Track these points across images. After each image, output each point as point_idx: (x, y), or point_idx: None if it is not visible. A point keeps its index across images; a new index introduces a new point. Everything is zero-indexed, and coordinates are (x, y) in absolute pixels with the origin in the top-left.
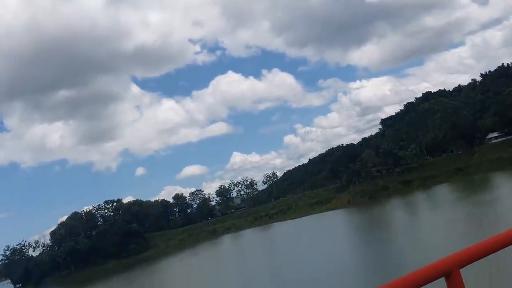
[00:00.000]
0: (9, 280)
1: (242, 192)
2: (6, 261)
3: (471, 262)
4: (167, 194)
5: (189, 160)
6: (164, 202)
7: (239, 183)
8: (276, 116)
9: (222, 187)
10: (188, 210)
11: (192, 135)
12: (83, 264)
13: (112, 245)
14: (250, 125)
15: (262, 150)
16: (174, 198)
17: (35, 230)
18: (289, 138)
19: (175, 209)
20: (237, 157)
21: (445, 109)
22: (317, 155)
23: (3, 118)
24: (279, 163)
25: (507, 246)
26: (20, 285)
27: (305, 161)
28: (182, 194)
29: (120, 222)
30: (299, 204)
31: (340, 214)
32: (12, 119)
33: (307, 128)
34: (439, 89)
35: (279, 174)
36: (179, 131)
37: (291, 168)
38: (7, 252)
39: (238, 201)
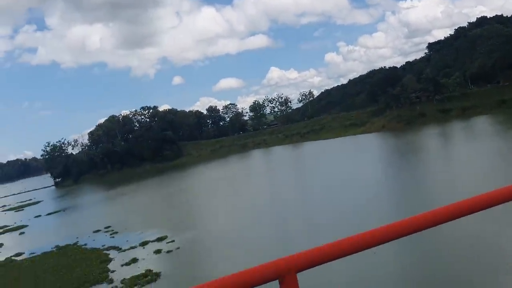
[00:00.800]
0: (49, 174)
1: (276, 109)
2: (47, 157)
3: (310, 267)
4: (201, 105)
5: (226, 73)
6: (198, 113)
7: (274, 99)
8: (319, 32)
9: (256, 102)
10: (221, 123)
11: (230, 46)
12: (119, 165)
13: (147, 150)
14: (291, 40)
15: (300, 67)
16: (208, 110)
17: (73, 130)
18: (330, 56)
19: (208, 121)
20: (274, 73)
21: (499, 36)
22: (357, 76)
23: (44, 17)
24: (317, 81)
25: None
26: (59, 179)
27: (345, 81)
28: (216, 106)
29: (156, 128)
30: (332, 125)
31: (373, 138)
32: (53, 18)
33: (350, 47)
34: (496, 14)
35: (316, 93)
36: (217, 41)
37: (329, 88)
38: (48, 148)
39: (271, 117)
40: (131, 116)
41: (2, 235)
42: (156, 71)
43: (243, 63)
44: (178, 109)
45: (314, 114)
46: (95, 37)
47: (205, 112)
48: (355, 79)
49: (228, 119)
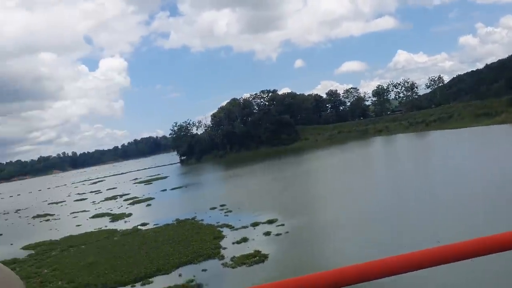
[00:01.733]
0: (175, 152)
1: (401, 95)
2: (174, 136)
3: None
4: (322, 88)
5: (349, 56)
6: (317, 97)
7: (399, 84)
8: (454, 12)
9: (380, 87)
10: (341, 108)
11: (355, 28)
12: (238, 147)
13: (264, 133)
14: (421, 22)
15: (431, 50)
16: (327, 94)
17: (200, 111)
18: (465, 39)
19: (327, 105)
20: (401, 56)
21: None
22: (496, 61)
23: (177, 3)
24: (448, 66)
25: None
26: (184, 157)
27: (481, 66)
28: (336, 90)
29: (274, 112)
30: (462, 114)
31: (509, 130)
32: (185, 5)
33: (490, 28)
34: None
35: (447, 78)
36: (341, 23)
37: (462, 73)
38: (175, 128)
39: (395, 103)
40: (251, 99)
41: (132, 206)
42: (278, 55)
43: (367, 46)
44: (298, 93)
45: (443, 101)
46: (222, 22)
47: (324, 96)
48: (492, 64)
49: (348, 103)
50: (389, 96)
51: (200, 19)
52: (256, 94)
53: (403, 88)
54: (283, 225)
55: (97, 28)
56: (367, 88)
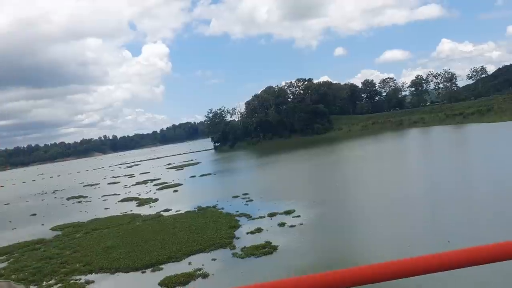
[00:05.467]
0: (210, 138)
1: (440, 86)
2: (209, 122)
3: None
4: (362, 77)
5: (391, 44)
6: (352, 87)
7: (439, 74)
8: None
9: (419, 77)
10: (376, 98)
11: (398, 16)
12: (270, 135)
13: (298, 122)
14: (468, 9)
15: (477, 39)
16: (363, 83)
17: (238, 98)
18: None
19: (362, 95)
20: (445, 45)
21: None
22: None
23: None
24: (495, 56)
25: None
26: (218, 143)
27: None
28: (372, 80)
29: (308, 101)
30: (503, 107)
31: None
32: None
33: None
34: None
35: (493, 68)
36: (385, 11)
37: (509, 64)
38: (210, 115)
39: (434, 94)
40: (285, 87)
41: (160, 191)
42: (318, 43)
43: (411, 34)
44: (337, 81)
45: (484, 93)
46: (263, 9)
47: (360, 85)
48: None
49: (384, 94)
50: (428, 86)
51: (241, 6)
52: (291, 82)
53: (443, 79)
54: (299, 216)
55: (141, 14)
56: (410, 77)
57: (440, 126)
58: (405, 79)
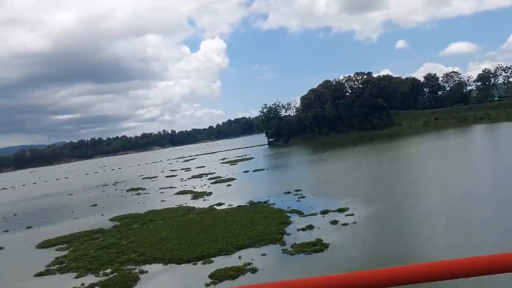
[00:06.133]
0: (265, 134)
1: (511, 79)
2: (263, 117)
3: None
4: (425, 71)
5: (457, 36)
6: (414, 81)
7: (509, 68)
8: None
9: (486, 70)
10: (439, 93)
11: (465, 7)
12: (326, 130)
13: (355, 117)
14: None
15: None
16: (425, 77)
17: (293, 92)
18: None
19: (424, 89)
20: None
21: None
22: None
23: None
24: None
25: None
26: (272, 139)
27: None
28: (435, 74)
29: (367, 95)
30: None
31: None
32: None
33: None
34: None
35: None
36: (450, 2)
37: None
38: (265, 110)
39: (503, 89)
40: (343, 81)
41: (214, 184)
42: (379, 35)
43: (478, 25)
44: (398, 75)
45: None
46: (321, 2)
47: (422, 79)
48: None
49: (448, 88)
50: (496, 81)
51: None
52: (349, 76)
53: None
54: (352, 214)
55: (199, 10)
56: (475, 72)
57: (509, 122)
58: (472, 73)
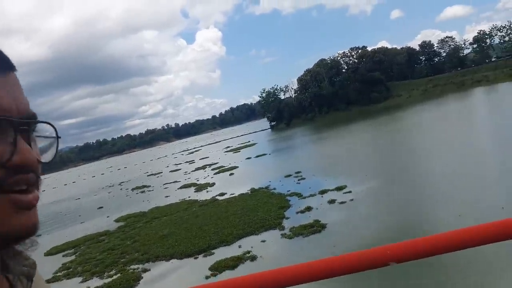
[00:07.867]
0: (266, 118)
1: (506, 39)
2: (263, 102)
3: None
4: (423, 38)
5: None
6: (409, 50)
7: (504, 27)
8: None
9: (481, 32)
10: (435, 59)
11: None
12: (326, 109)
13: (353, 92)
14: None
15: None
16: (420, 46)
17: (293, 74)
18: None
19: (421, 58)
20: None
21: None
22: None
23: None
24: None
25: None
26: (274, 123)
27: None
28: (430, 41)
29: (362, 69)
30: None
31: None
32: None
33: None
34: None
35: None
36: None
37: None
38: (263, 94)
39: (499, 50)
40: (339, 58)
41: (217, 175)
42: (373, 8)
43: None
44: (395, 46)
45: None
46: None
47: (417, 48)
48: None
49: (444, 54)
50: (493, 41)
51: None
52: (344, 52)
53: (509, 31)
54: (350, 192)
55: (192, 1)
56: (473, 34)
57: (506, 82)
58: (469, 35)
